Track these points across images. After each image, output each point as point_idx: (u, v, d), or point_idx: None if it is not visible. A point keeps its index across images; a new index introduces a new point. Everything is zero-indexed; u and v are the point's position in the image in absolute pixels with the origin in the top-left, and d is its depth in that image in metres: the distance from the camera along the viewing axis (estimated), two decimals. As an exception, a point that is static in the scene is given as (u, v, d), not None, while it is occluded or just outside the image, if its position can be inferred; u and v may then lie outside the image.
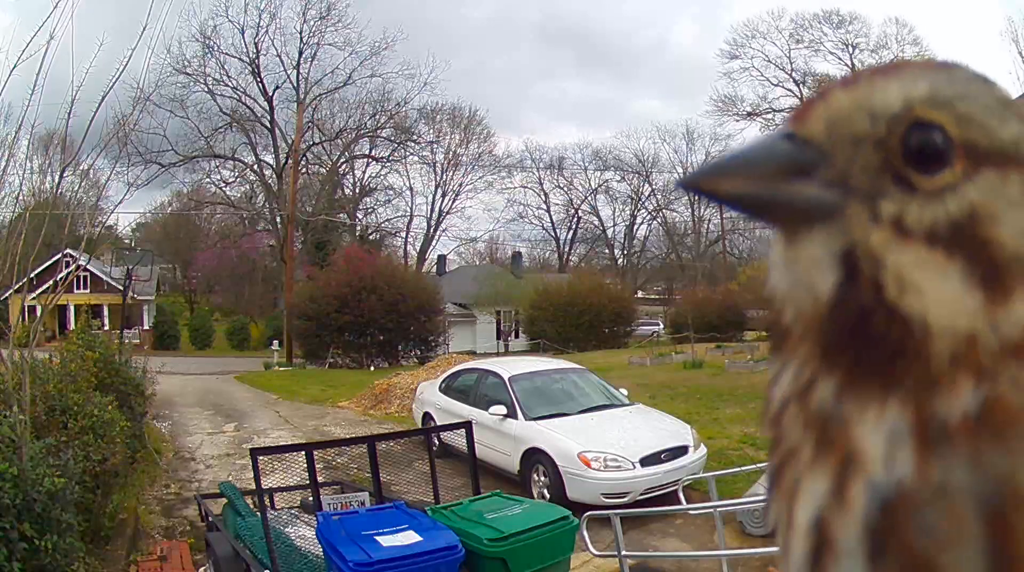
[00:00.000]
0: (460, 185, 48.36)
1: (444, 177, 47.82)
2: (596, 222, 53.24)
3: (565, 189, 52.62)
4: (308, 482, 5.24)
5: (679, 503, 6.21)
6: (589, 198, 52.55)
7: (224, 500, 5.94)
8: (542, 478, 7.60)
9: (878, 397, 0.31)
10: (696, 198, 0.37)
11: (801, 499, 0.33)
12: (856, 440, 0.32)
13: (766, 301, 0.37)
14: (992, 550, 0.30)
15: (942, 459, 0.30)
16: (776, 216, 0.35)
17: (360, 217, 48.13)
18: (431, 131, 46.91)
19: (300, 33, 40.47)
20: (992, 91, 0.36)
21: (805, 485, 0.33)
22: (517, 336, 36.97)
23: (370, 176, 47.55)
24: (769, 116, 44.92)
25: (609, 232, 52.93)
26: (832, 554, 0.32)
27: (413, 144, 46.39)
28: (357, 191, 47.62)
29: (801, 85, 43.58)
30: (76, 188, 8.17)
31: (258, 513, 5.03)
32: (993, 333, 0.30)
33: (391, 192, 48.03)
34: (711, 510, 5.63)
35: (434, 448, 5.96)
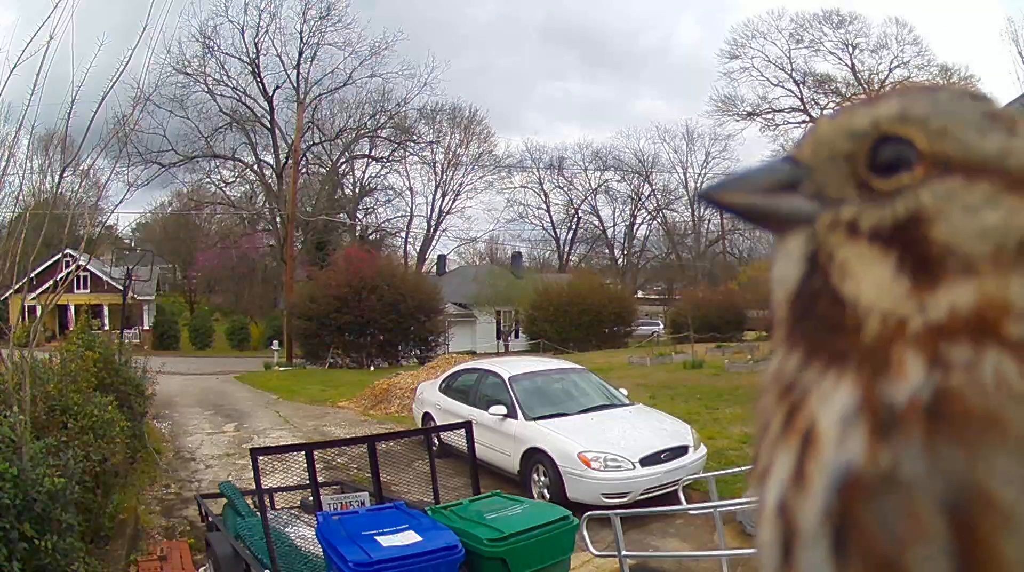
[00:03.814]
0: (460, 185, 48.46)
1: (444, 177, 47.91)
2: (596, 222, 53.31)
3: (565, 189, 52.72)
4: (308, 482, 5.24)
5: (679, 503, 6.21)
6: (589, 198, 52.63)
7: (224, 500, 5.93)
8: (542, 478, 7.60)
9: (834, 373, 0.35)
10: (708, 207, 0.43)
11: (770, 479, 0.36)
12: (814, 415, 0.35)
13: (767, 298, 0.43)
14: (958, 553, 0.30)
15: (892, 445, 0.32)
16: (768, 223, 0.42)
17: (360, 217, 48.21)
18: (431, 131, 47.01)
19: (300, 33, 40.54)
20: (979, 107, 0.40)
21: (774, 464, 0.36)
22: (517, 336, 36.97)
23: (370, 176, 47.65)
24: (769, 116, 44.96)
25: (609, 232, 53.02)
26: (798, 541, 0.34)
27: (413, 144, 46.47)
28: (357, 191, 47.64)
29: (801, 85, 43.64)
30: (76, 188, 8.16)
31: (258, 513, 5.03)
32: (919, 315, 0.35)
33: (391, 192, 48.13)
34: (711, 510, 5.63)
35: (434, 448, 5.96)
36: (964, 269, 0.35)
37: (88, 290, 32.81)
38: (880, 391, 0.33)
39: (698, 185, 48.43)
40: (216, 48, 39.39)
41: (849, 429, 0.33)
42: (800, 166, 0.41)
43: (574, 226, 53.31)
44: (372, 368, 25.36)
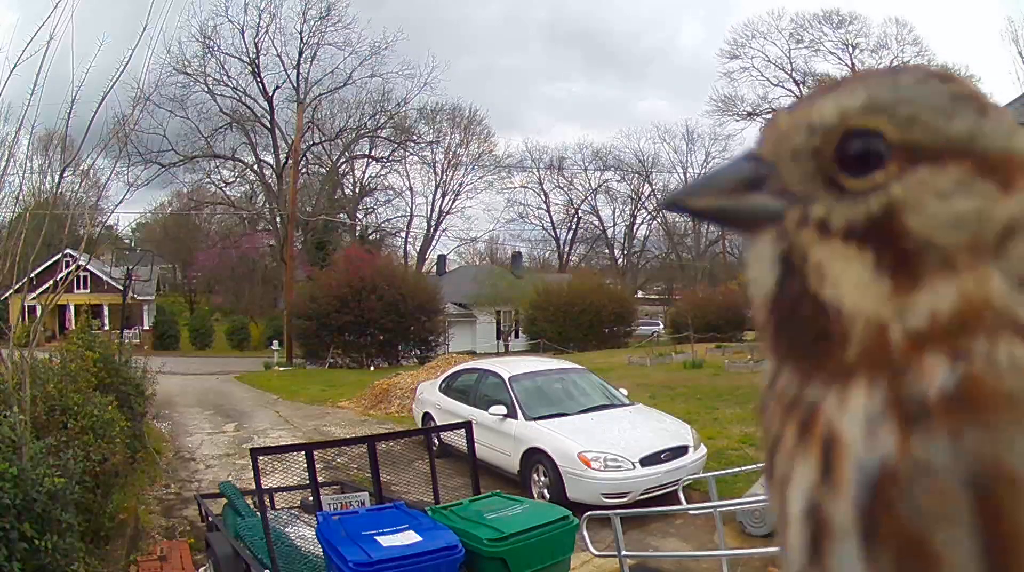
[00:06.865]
0: (460, 185, 48.48)
1: (444, 177, 47.92)
2: (596, 222, 53.31)
3: (565, 189, 52.71)
4: (308, 482, 5.24)
5: (679, 503, 6.21)
6: (589, 198, 52.64)
7: (224, 500, 5.94)
8: (542, 478, 7.60)
9: (840, 383, 0.34)
10: (677, 214, 0.42)
11: (792, 487, 0.35)
12: (832, 423, 0.34)
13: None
14: (983, 529, 0.30)
15: (924, 437, 0.31)
16: (736, 224, 0.40)
17: (360, 217, 48.20)
18: (431, 131, 47.01)
19: (300, 33, 40.55)
20: (945, 89, 0.38)
21: (795, 472, 0.35)
22: (517, 336, 36.97)
23: (370, 176, 47.66)
24: (769, 116, 44.89)
25: (609, 232, 53.02)
26: (829, 538, 0.33)
27: (413, 144, 46.47)
28: (357, 191, 47.64)
29: (801, 85, 43.59)
30: (76, 188, 8.18)
31: (258, 513, 5.03)
32: (902, 320, 0.33)
33: (391, 192, 48.14)
34: (711, 510, 5.63)
35: (434, 448, 5.96)
36: (942, 263, 0.34)
37: (88, 290, 32.80)
38: (906, 391, 0.32)
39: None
40: (216, 48, 39.45)
41: (877, 429, 0.32)
42: (762, 163, 0.39)
43: (574, 226, 53.37)
44: (372, 368, 25.35)
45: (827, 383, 0.34)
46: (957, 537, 0.31)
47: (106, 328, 26.27)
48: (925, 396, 0.32)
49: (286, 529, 5.15)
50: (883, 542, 0.32)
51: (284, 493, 6.07)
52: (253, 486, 5.10)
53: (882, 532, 0.32)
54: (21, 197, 6.50)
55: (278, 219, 40.64)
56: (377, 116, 44.05)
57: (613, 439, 7.47)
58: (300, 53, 40.65)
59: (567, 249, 53.68)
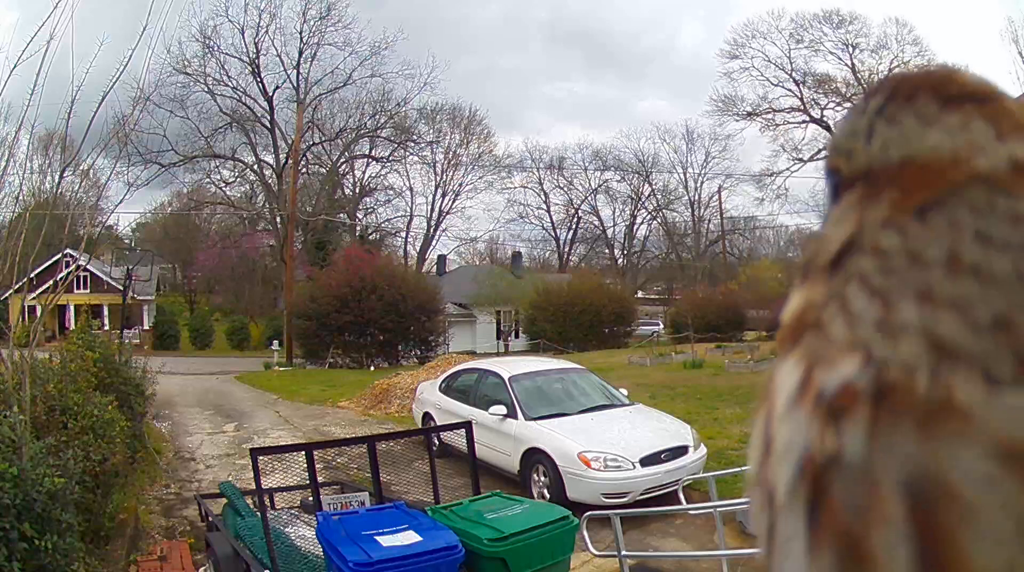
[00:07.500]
0: (460, 185, 48.48)
1: (444, 177, 47.93)
2: (596, 222, 53.29)
3: (565, 189, 52.70)
4: (308, 482, 5.25)
5: (679, 503, 6.21)
6: (589, 198, 52.63)
7: (224, 500, 5.94)
8: (542, 478, 7.60)
9: (783, 356, 0.38)
10: None
11: (751, 448, 0.39)
12: (773, 392, 0.37)
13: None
14: (920, 540, 0.30)
15: (837, 428, 0.32)
16: None
17: (360, 217, 48.19)
18: (431, 131, 47.02)
19: (300, 33, 40.58)
20: (871, 106, 0.39)
21: (753, 434, 0.39)
22: (517, 336, 36.97)
23: (370, 176, 47.65)
24: (769, 116, 44.93)
25: (609, 232, 53.00)
26: (777, 508, 0.35)
27: (413, 144, 46.48)
28: (357, 191, 47.64)
29: (801, 85, 43.62)
30: (76, 188, 8.19)
31: (258, 513, 5.04)
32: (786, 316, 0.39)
33: (391, 192, 48.14)
34: (711, 510, 5.64)
35: (434, 448, 5.97)
36: (802, 277, 0.39)
37: (88, 290, 32.79)
38: (816, 376, 0.34)
39: (698, 185, 48.68)
40: (216, 48, 39.46)
41: (793, 408, 0.34)
42: None
43: (574, 226, 53.36)
44: (372, 368, 25.35)
45: (779, 358, 0.39)
46: (892, 541, 0.30)
47: (106, 328, 26.29)
48: (830, 386, 0.33)
49: (286, 529, 5.16)
50: (823, 529, 0.32)
51: (284, 493, 6.07)
52: (253, 486, 5.11)
53: (822, 517, 0.32)
54: (21, 197, 6.52)
55: (278, 219, 40.64)
56: (377, 116, 44.12)
57: (613, 439, 7.47)
58: (300, 53, 40.74)
59: (567, 249, 53.71)
